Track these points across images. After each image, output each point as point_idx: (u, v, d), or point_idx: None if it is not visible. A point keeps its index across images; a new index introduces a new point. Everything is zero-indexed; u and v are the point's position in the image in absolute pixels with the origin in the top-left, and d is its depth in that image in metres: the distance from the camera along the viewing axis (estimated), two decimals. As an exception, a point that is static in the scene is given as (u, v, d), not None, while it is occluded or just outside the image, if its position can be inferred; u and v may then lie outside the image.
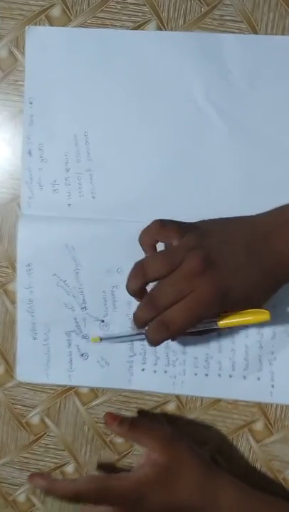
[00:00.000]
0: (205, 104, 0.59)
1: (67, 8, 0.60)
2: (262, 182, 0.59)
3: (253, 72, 0.59)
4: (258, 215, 0.55)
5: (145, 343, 0.55)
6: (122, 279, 0.58)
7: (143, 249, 0.55)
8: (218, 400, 0.62)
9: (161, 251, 0.55)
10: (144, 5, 0.59)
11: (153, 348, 0.60)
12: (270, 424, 0.62)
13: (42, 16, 0.60)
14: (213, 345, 0.61)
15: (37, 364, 0.62)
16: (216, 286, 0.51)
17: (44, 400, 0.63)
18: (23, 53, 0.60)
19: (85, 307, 0.61)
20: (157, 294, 0.52)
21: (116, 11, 0.60)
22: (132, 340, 0.60)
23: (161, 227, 0.54)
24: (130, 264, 0.56)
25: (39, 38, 0.60)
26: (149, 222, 0.56)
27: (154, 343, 0.52)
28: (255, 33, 0.59)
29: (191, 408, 0.62)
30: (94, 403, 0.63)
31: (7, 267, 0.63)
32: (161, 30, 0.59)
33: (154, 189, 0.60)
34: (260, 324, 0.57)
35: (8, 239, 0.62)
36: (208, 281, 0.51)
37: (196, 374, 0.61)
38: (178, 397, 0.62)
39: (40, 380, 0.62)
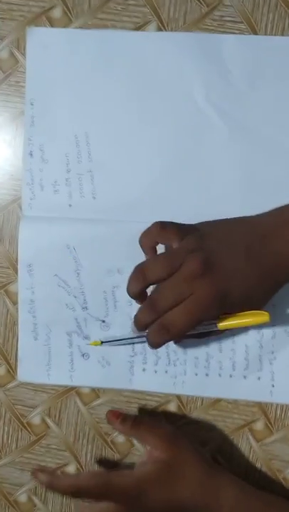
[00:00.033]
0: (205, 105, 0.60)
1: (68, 9, 0.60)
2: (262, 182, 0.59)
3: (252, 73, 0.59)
4: (257, 215, 0.55)
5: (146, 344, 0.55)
6: (123, 279, 0.58)
7: (143, 251, 0.56)
8: (218, 400, 0.62)
9: (161, 254, 0.55)
10: (145, 6, 0.60)
11: (154, 348, 0.61)
12: (271, 423, 0.62)
13: (43, 17, 0.60)
14: (214, 345, 0.61)
15: (38, 364, 0.62)
16: (216, 289, 0.51)
17: (45, 400, 0.64)
18: (24, 54, 0.60)
19: (86, 307, 0.61)
20: (157, 297, 0.52)
21: (116, 12, 0.60)
22: (132, 343, 0.61)
23: (162, 230, 0.54)
24: (131, 264, 0.56)
25: (40, 39, 0.60)
26: (149, 223, 0.57)
27: (155, 345, 0.53)
28: (255, 33, 0.59)
29: (192, 408, 0.62)
30: (95, 403, 0.63)
31: (8, 268, 0.63)
32: (162, 31, 0.60)
33: (155, 189, 0.60)
34: (260, 325, 0.57)
35: (9, 240, 0.62)
36: (207, 284, 0.51)
37: (196, 374, 0.61)
38: (178, 397, 0.62)
39: (41, 381, 0.63)
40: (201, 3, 0.59)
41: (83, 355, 0.62)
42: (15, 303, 0.62)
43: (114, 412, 0.58)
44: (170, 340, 0.53)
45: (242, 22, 0.59)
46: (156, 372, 0.62)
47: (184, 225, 0.55)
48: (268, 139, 0.59)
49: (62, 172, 0.61)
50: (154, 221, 0.56)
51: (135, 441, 0.63)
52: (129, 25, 0.60)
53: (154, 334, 0.52)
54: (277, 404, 0.62)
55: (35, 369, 0.62)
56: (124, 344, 0.60)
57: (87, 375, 0.62)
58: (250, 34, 0.59)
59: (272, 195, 0.57)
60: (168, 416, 0.62)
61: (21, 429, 0.64)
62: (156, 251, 0.56)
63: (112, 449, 0.64)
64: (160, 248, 0.56)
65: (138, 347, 0.61)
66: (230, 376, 0.61)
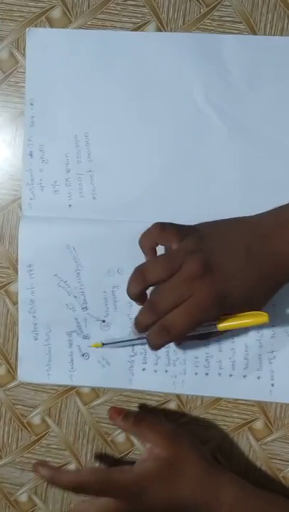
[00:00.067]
0: (204, 105, 0.60)
1: (68, 9, 0.60)
2: (261, 182, 0.60)
3: (252, 73, 0.59)
4: (256, 215, 0.55)
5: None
6: (123, 279, 0.59)
7: (143, 252, 0.56)
8: (218, 399, 0.62)
9: (160, 255, 0.55)
10: (144, 6, 0.60)
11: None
12: (270, 422, 0.62)
13: (42, 18, 0.60)
14: (214, 345, 0.61)
15: (38, 364, 0.62)
16: (215, 290, 0.51)
17: (45, 400, 0.64)
18: (23, 55, 0.61)
19: (86, 307, 0.61)
20: (157, 299, 0.53)
21: (116, 12, 0.60)
22: (133, 345, 0.61)
23: (162, 231, 0.54)
24: (131, 264, 0.56)
25: (40, 39, 0.60)
26: (149, 223, 0.57)
27: (156, 347, 0.53)
28: (254, 33, 0.59)
29: (192, 407, 0.63)
30: (95, 403, 0.63)
31: (8, 268, 0.63)
32: (161, 31, 0.60)
33: (155, 189, 0.60)
34: (260, 325, 0.57)
35: (9, 240, 0.62)
36: (207, 285, 0.51)
37: (196, 373, 0.61)
38: (178, 396, 0.62)
39: (41, 380, 0.63)
40: (200, 3, 0.59)
41: (83, 355, 0.62)
42: (15, 303, 0.62)
43: (116, 408, 0.58)
44: (170, 342, 0.54)
45: (241, 22, 0.59)
46: (156, 371, 0.62)
47: (184, 226, 0.55)
48: (268, 139, 0.59)
49: (62, 172, 0.61)
50: (154, 222, 0.56)
51: (135, 441, 0.63)
52: (128, 25, 0.60)
53: (154, 336, 0.53)
54: (276, 404, 0.62)
55: (35, 369, 0.62)
56: (124, 346, 0.61)
57: (87, 375, 0.62)
58: (249, 34, 0.59)
59: (272, 195, 0.57)
60: (168, 415, 0.63)
61: (21, 429, 0.65)
62: (156, 252, 0.56)
63: (112, 448, 0.64)
64: (160, 249, 0.56)
65: (138, 347, 0.61)
66: (230, 375, 0.61)
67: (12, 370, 0.64)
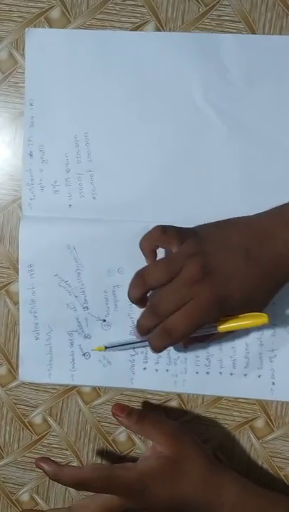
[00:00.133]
0: (204, 104, 0.60)
1: (67, 10, 0.60)
2: (261, 181, 0.60)
3: (251, 72, 0.59)
4: (256, 215, 0.55)
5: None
6: (123, 278, 0.59)
7: (144, 254, 0.56)
8: (219, 398, 0.62)
9: (160, 259, 0.55)
10: (143, 6, 0.60)
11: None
12: (271, 421, 0.62)
13: (41, 18, 0.60)
14: (214, 344, 0.61)
15: (39, 364, 0.62)
16: (215, 293, 0.52)
17: (46, 400, 0.64)
18: (23, 55, 0.61)
19: (87, 307, 0.61)
20: (159, 302, 0.53)
21: (115, 12, 0.60)
22: (135, 348, 0.61)
23: (163, 234, 0.54)
24: (131, 263, 0.56)
25: (39, 39, 0.60)
26: (149, 222, 0.57)
27: (157, 349, 0.54)
28: (253, 32, 0.59)
29: (193, 406, 0.63)
30: (96, 402, 0.63)
31: (9, 268, 0.63)
32: (160, 30, 0.60)
33: (155, 189, 0.60)
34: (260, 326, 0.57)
35: (9, 240, 0.63)
36: (207, 288, 0.52)
37: (197, 372, 0.62)
38: (179, 395, 0.63)
39: (42, 380, 0.63)
40: (199, 2, 0.59)
41: (84, 354, 0.62)
42: (16, 303, 0.63)
43: (120, 405, 0.58)
44: (172, 344, 0.54)
45: (240, 21, 0.59)
46: (157, 371, 0.62)
47: (184, 228, 0.55)
48: (267, 138, 0.59)
49: (62, 172, 0.61)
50: (154, 221, 0.56)
51: (137, 440, 0.63)
52: (127, 25, 0.60)
53: (156, 338, 0.53)
54: (277, 402, 0.62)
55: (36, 369, 0.62)
56: (127, 349, 0.61)
57: (88, 375, 0.62)
58: (248, 33, 0.59)
59: (272, 194, 0.57)
60: (169, 414, 0.63)
61: (23, 429, 0.65)
62: (156, 254, 0.56)
63: (113, 447, 0.64)
64: (160, 251, 0.56)
65: (139, 346, 0.62)
66: (231, 374, 0.61)
67: (13, 370, 0.64)
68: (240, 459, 0.63)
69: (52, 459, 0.55)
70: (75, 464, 0.64)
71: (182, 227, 0.55)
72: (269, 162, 0.59)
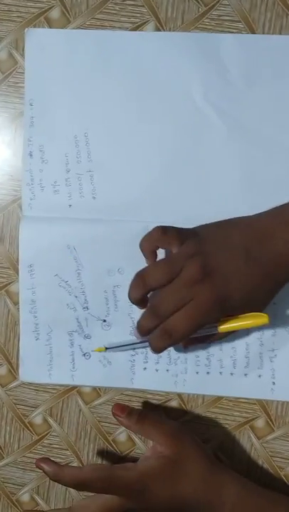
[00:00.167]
0: (203, 104, 0.60)
1: (66, 10, 0.60)
2: (261, 181, 0.60)
3: (250, 72, 0.59)
4: (256, 215, 0.55)
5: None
6: (124, 278, 0.59)
7: (144, 255, 0.56)
8: (219, 398, 0.62)
9: (161, 260, 0.56)
10: (143, 6, 0.60)
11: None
12: (271, 421, 0.62)
13: (41, 18, 0.60)
14: (215, 344, 0.61)
15: (40, 364, 0.62)
16: (216, 293, 0.52)
17: (47, 400, 0.64)
18: (22, 55, 0.61)
19: (87, 307, 0.61)
20: (159, 303, 0.53)
21: (114, 12, 0.60)
22: (135, 348, 0.61)
23: (163, 234, 0.54)
24: (131, 263, 0.56)
25: (38, 39, 0.60)
26: (149, 222, 0.57)
27: (158, 350, 0.54)
28: (253, 32, 0.59)
29: (193, 406, 0.63)
30: (96, 402, 0.63)
31: (9, 268, 0.63)
32: (160, 30, 0.60)
33: (155, 189, 0.60)
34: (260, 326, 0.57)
35: (9, 240, 0.63)
36: (207, 289, 0.52)
37: (197, 372, 0.62)
38: (180, 395, 0.63)
39: (42, 380, 0.63)
40: (198, 2, 0.59)
41: (84, 354, 0.62)
42: (16, 303, 0.63)
43: (120, 405, 0.58)
44: (172, 345, 0.54)
45: (240, 21, 0.59)
46: (157, 371, 0.62)
47: (184, 229, 0.55)
48: (267, 138, 0.59)
49: (62, 172, 0.61)
50: (154, 221, 0.56)
51: (137, 440, 0.64)
52: (127, 25, 0.60)
53: (156, 339, 0.53)
54: (277, 402, 0.62)
55: (36, 369, 0.62)
56: (127, 350, 0.61)
57: (88, 375, 0.62)
58: (248, 33, 0.59)
59: (272, 194, 0.57)
60: (169, 414, 0.63)
61: (23, 429, 0.65)
62: (156, 255, 0.56)
63: (113, 447, 0.64)
64: (160, 252, 0.56)
65: (139, 346, 0.62)
66: (231, 374, 0.61)
67: (13, 370, 0.64)
68: (241, 459, 0.63)
69: (52, 459, 0.55)
70: (75, 464, 0.64)
71: (182, 228, 0.55)
72: (269, 162, 0.59)
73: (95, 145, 0.61)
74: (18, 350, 0.63)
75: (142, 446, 0.63)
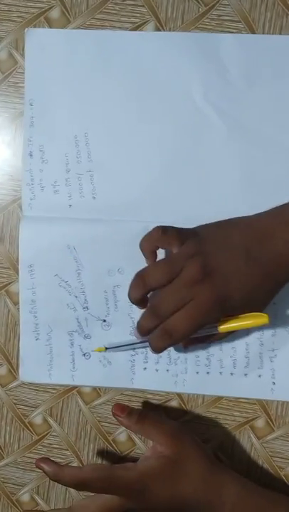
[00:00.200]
0: (204, 104, 0.60)
1: (66, 9, 0.60)
2: (261, 181, 0.60)
3: (251, 72, 0.59)
4: (256, 215, 0.55)
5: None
6: (124, 278, 0.59)
7: (144, 255, 0.56)
8: (219, 398, 0.62)
9: (161, 260, 0.56)
10: (143, 6, 0.60)
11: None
12: (272, 421, 0.62)
13: (41, 18, 0.60)
14: (215, 344, 0.61)
15: (40, 364, 0.62)
16: (216, 293, 0.52)
17: (47, 400, 0.64)
18: (22, 55, 0.61)
19: (87, 307, 0.61)
20: (159, 303, 0.53)
21: (114, 12, 0.60)
22: (135, 348, 0.61)
23: (163, 234, 0.54)
24: (131, 263, 0.56)
25: (38, 39, 0.60)
26: (149, 222, 0.57)
27: (158, 350, 0.54)
28: (253, 32, 0.59)
29: (193, 406, 0.63)
30: (96, 402, 0.63)
31: (9, 268, 0.63)
32: (160, 30, 0.60)
33: (155, 189, 0.60)
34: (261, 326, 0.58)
35: (9, 240, 0.63)
36: (207, 289, 0.52)
37: (197, 372, 0.62)
38: (180, 395, 0.63)
39: (42, 380, 0.63)
40: (198, 2, 0.59)
41: (84, 354, 0.62)
42: (16, 303, 0.63)
43: (120, 405, 0.58)
44: (173, 345, 0.54)
45: (240, 21, 0.59)
46: (157, 371, 0.62)
47: (184, 229, 0.55)
48: (267, 138, 0.59)
49: (62, 172, 0.61)
50: (154, 221, 0.56)
51: (137, 440, 0.64)
52: (127, 25, 0.60)
53: (156, 339, 0.53)
54: (278, 402, 0.62)
55: (36, 369, 0.62)
56: (127, 350, 0.61)
57: (88, 375, 0.62)
58: (248, 33, 0.59)
59: (272, 194, 0.57)
60: (169, 414, 0.63)
61: (23, 429, 0.65)
62: (156, 255, 0.56)
63: (113, 447, 0.64)
64: (160, 252, 0.56)
65: (139, 346, 0.62)
66: (231, 374, 0.61)
67: (13, 370, 0.64)
68: (241, 459, 0.63)
69: (52, 459, 0.55)
70: (75, 464, 0.64)
71: (182, 228, 0.55)
72: (269, 162, 0.59)
73: (95, 145, 0.61)
74: (18, 350, 0.63)
75: (142, 446, 0.63)
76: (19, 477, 0.65)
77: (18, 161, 0.62)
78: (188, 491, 0.54)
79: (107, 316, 0.61)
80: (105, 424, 0.64)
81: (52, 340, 0.62)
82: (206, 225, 0.56)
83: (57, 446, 0.64)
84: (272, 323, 0.60)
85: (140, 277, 0.54)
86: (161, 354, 0.61)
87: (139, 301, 0.55)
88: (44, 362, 0.62)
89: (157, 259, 0.56)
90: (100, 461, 0.64)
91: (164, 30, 0.60)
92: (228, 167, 0.60)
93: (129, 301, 0.55)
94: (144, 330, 0.54)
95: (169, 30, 0.60)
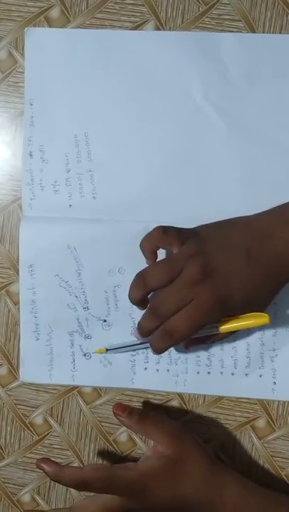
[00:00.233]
0: (204, 103, 0.60)
1: (66, 9, 0.60)
2: (261, 180, 0.60)
3: (251, 71, 0.59)
4: (256, 215, 0.55)
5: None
6: (124, 278, 0.59)
7: (144, 255, 0.56)
8: (220, 398, 0.62)
9: (161, 260, 0.55)
10: (143, 5, 0.60)
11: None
12: (272, 421, 0.62)
13: (41, 18, 0.60)
14: (216, 345, 0.61)
15: (40, 364, 0.62)
16: (216, 293, 0.52)
17: (47, 400, 0.64)
18: (22, 55, 0.60)
19: (87, 307, 0.61)
20: (160, 304, 0.53)
21: (114, 11, 0.60)
22: (136, 349, 0.61)
23: (164, 235, 0.54)
24: (132, 263, 0.56)
25: (38, 39, 0.60)
26: (149, 222, 0.57)
27: (159, 351, 0.54)
28: (253, 31, 0.59)
29: (194, 406, 0.63)
30: (97, 402, 0.63)
31: (9, 268, 0.63)
32: (160, 30, 0.60)
33: (155, 189, 0.60)
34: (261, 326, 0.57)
35: (10, 240, 0.62)
36: (208, 289, 0.52)
37: (198, 372, 0.62)
38: (180, 395, 0.63)
39: (43, 381, 0.63)
40: (198, 1, 0.59)
41: (85, 354, 0.62)
42: (16, 303, 0.62)
43: (121, 405, 0.58)
44: (173, 346, 0.54)
45: (240, 20, 0.59)
46: (158, 371, 0.62)
47: (185, 229, 0.55)
48: (267, 137, 0.59)
49: (62, 172, 0.61)
50: (154, 221, 0.56)
51: (138, 441, 0.63)
52: (127, 24, 0.60)
53: (157, 340, 0.53)
54: (279, 402, 0.62)
55: (37, 369, 0.62)
56: (128, 351, 0.61)
57: (89, 375, 0.62)
58: (248, 32, 0.59)
59: (272, 193, 0.57)
60: (170, 414, 0.63)
61: (24, 429, 0.65)
62: (156, 255, 0.56)
63: (114, 447, 0.64)
64: (160, 252, 0.56)
65: (139, 346, 0.62)
66: (232, 374, 0.61)
67: (14, 371, 0.64)
68: (242, 459, 0.63)
69: (52, 459, 0.55)
70: (76, 464, 0.64)
71: (183, 228, 0.55)
72: (269, 161, 0.59)
73: (95, 145, 0.60)
74: (18, 350, 0.63)
75: (142, 446, 0.63)
76: (20, 477, 0.65)
77: (18, 161, 0.61)
78: (189, 491, 0.54)
79: (108, 316, 0.61)
80: (106, 424, 0.63)
81: (52, 340, 0.62)
82: (206, 225, 0.56)
83: (57, 447, 0.64)
84: (273, 323, 0.60)
85: (141, 278, 0.54)
86: (162, 354, 0.61)
87: (140, 301, 0.55)
88: (44, 362, 0.62)
89: (158, 260, 0.56)
90: (100, 461, 0.64)
91: (164, 30, 0.60)
92: (229, 167, 0.60)
93: (129, 301, 0.55)
94: (144, 331, 0.54)
95: (169, 29, 0.60)
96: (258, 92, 0.59)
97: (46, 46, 0.60)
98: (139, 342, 0.58)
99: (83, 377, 0.62)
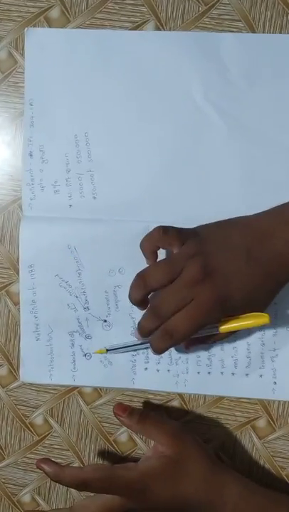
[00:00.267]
0: (204, 103, 0.60)
1: (66, 9, 0.60)
2: (261, 180, 0.60)
3: (251, 71, 0.59)
4: (256, 215, 0.55)
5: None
6: (124, 279, 0.59)
7: (144, 255, 0.56)
8: (220, 398, 0.62)
9: (161, 260, 0.55)
10: (143, 5, 0.60)
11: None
12: (273, 420, 0.62)
13: (41, 18, 0.60)
14: (216, 344, 0.61)
15: (40, 365, 0.62)
16: (216, 293, 0.52)
17: (47, 400, 0.64)
18: (22, 55, 0.61)
19: (88, 307, 0.61)
20: (160, 304, 0.53)
21: (114, 11, 0.60)
22: (136, 350, 0.61)
23: (164, 235, 0.54)
24: (132, 263, 0.56)
25: (38, 39, 0.60)
26: (149, 222, 0.57)
27: (159, 351, 0.54)
28: (253, 31, 0.59)
29: (194, 406, 0.63)
30: (97, 403, 0.63)
31: (9, 269, 0.63)
32: (160, 30, 0.60)
33: (155, 189, 0.60)
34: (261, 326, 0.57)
35: (10, 240, 0.62)
36: (208, 289, 0.52)
37: (198, 372, 0.61)
38: (181, 395, 0.62)
39: (43, 381, 0.63)
40: (198, 2, 0.59)
41: (85, 355, 0.62)
42: (16, 303, 0.62)
43: (121, 405, 0.58)
44: (174, 346, 0.54)
45: (240, 20, 0.59)
46: (158, 371, 0.62)
47: (185, 229, 0.55)
48: (267, 137, 0.59)
49: (62, 172, 0.61)
50: (155, 221, 0.56)
51: (138, 441, 0.63)
52: (127, 24, 0.60)
53: (157, 340, 0.53)
54: (279, 402, 0.62)
55: (37, 369, 0.62)
56: (128, 351, 0.61)
57: (89, 375, 0.62)
58: (248, 32, 0.59)
59: (272, 193, 0.57)
60: (170, 414, 0.63)
61: (24, 430, 0.65)
62: (157, 255, 0.56)
63: (114, 448, 0.64)
64: (161, 252, 0.56)
65: (140, 346, 0.62)
66: (233, 374, 0.61)
67: (14, 371, 0.63)
68: (242, 459, 0.63)
69: (53, 459, 0.55)
70: (76, 464, 0.64)
71: (183, 228, 0.55)
72: (269, 161, 0.59)
73: (95, 145, 0.60)
74: (18, 350, 0.63)
75: (143, 446, 0.63)
76: (20, 478, 0.65)
77: (18, 161, 0.61)
78: (189, 491, 0.54)
79: (108, 317, 0.61)
80: (106, 424, 0.63)
81: (52, 340, 0.62)
82: (206, 225, 0.56)
83: (58, 447, 0.64)
84: (273, 323, 0.60)
85: (141, 278, 0.54)
86: (162, 354, 0.61)
87: (140, 301, 0.55)
88: (45, 362, 0.62)
89: (158, 260, 0.56)
90: (101, 461, 0.64)
91: (164, 30, 0.60)
92: (229, 167, 0.60)
93: (129, 301, 0.55)
94: (145, 331, 0.54)
95: (169, 29, 0.60)
96: (258, 92, 0.59)
97: (46, 46, 0.60)
98: (139, 342, 0.58)
99: (83, 378, 0.62)
